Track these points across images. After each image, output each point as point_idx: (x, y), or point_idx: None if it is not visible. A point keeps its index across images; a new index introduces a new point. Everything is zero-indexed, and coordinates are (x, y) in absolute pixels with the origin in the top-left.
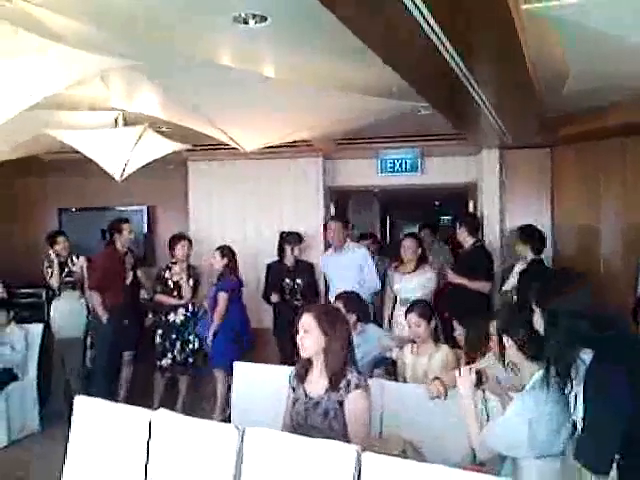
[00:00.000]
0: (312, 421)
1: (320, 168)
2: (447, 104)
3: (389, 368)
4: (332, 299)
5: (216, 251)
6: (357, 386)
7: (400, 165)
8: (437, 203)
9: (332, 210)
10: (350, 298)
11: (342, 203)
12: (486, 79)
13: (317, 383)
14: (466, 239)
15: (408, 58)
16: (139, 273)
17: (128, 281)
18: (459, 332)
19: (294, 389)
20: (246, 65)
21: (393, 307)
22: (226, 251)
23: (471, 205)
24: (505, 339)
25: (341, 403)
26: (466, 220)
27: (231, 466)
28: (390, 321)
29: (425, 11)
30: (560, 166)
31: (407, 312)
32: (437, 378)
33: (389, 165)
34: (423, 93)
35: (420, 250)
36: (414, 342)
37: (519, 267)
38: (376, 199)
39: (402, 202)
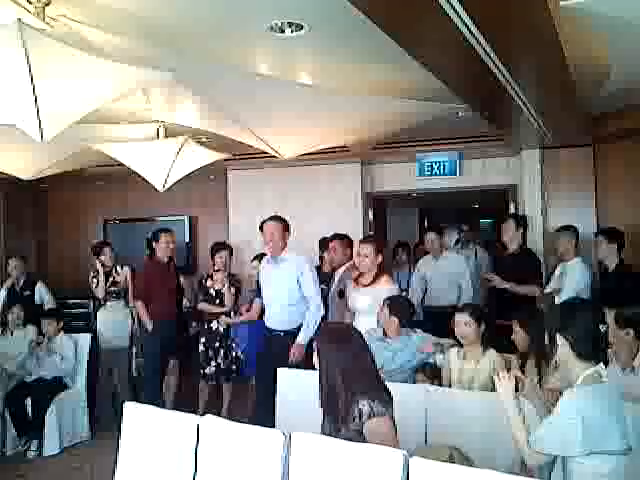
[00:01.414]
0: None
1: (358, 173)
2: (486, 105)
3: (428, 371)
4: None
5: (255, 260)
6: (372, 414)
7: (439, 168)
8: (476, 206)
9: (370, 215)
10: (395, 301)
11: (380, 208)
12: (525, 78)
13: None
14: (512, 241)
15: (446, 60)
16: (181, 282)
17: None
18: (519, 335)
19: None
20: (283, 73)
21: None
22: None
23: (512, 207)
24: (558, 338)
25: (360, 432)
26: (515, 220)
27: (277, 471)
28: None
29: (462, 12)
30: (604, 165)
31: (458, 312)
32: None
33: (427, 168)
34: (462, 95)
35: (380, 259)
36: (460, 346)
37: (577, 267)
38: (414, 203)
39: (441, 205)
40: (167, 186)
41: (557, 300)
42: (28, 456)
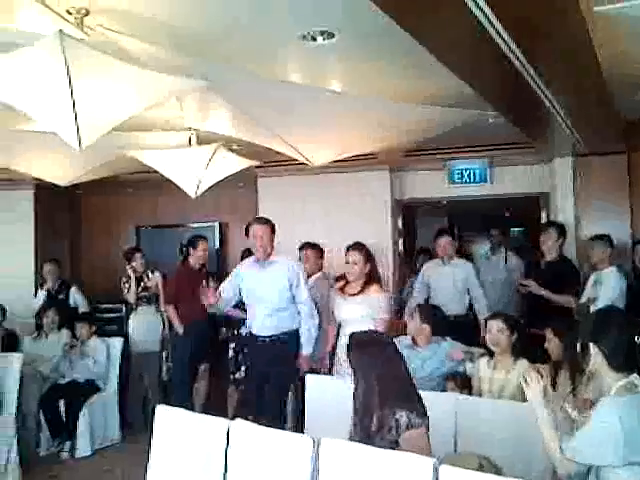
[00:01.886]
0: None
1: (387, 181)
2: (518, 112)
3: (458, 379)
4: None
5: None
6: (409, 426)
7: (469, 175)
8: (507, 214)
9: (399, 223)
10: (427, 309)
11: (409, 215)
12: (558, 84)
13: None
14: (551, 250)
15: (476, 67)
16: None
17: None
18: (553, 344)
19: (355, 412)
20: (314, 81)
21: (336, 338)
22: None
23: (544, 215)
24: (591, 347)
25: (395, 442)
26: (557, 229)
27: (306, 477)
28: (331, 357)
29: (493, 18)
30: (638, 172)
31: (490, 318)
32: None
33: (458, 176)
34: (493, 102)
35: (369, 266)
36: (491, 355)
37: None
38: (444, 211)
39: (470, 213)
40: (199, 193)
41: (592, 310)
42: (61, 457)
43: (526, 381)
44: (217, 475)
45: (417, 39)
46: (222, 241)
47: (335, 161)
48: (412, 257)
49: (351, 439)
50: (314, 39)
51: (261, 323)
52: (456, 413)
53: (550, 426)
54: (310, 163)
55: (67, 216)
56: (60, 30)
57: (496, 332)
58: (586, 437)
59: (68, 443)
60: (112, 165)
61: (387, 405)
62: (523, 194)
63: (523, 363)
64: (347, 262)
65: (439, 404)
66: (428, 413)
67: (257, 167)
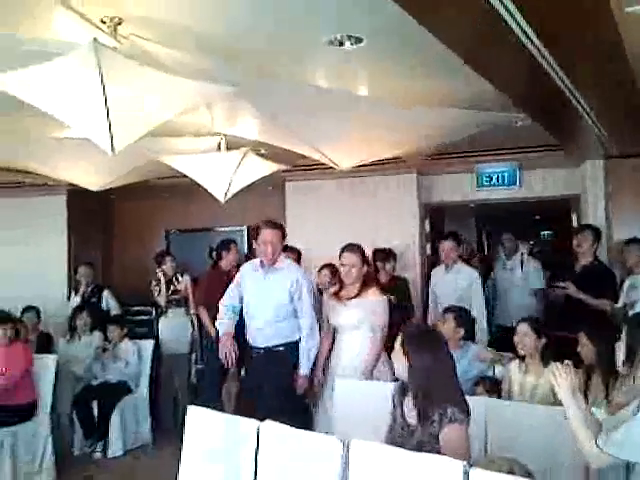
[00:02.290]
0: (407, 449)
1: (414, 184)
2: (546, 114)
3: (488, 384)
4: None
5: (325, 268)
6: (452, 420)
7: (498, 179)
8: (537, 217)
9: (427, 226)
10: (461, 312)
11: (437, 219)
12: (588, 85)
13: (412, 409)
14: (586, 253)
15: (504, 69)
16: None
17: None
18: (587, 348)
19: (395, 407)
20: (341, 85)
21: (331, 346)
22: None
23: (574, 218)
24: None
25: (436, 437)
26: (593, 233)
27: (336, 478)
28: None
29: (521, 20)
30: None
31: (520, 322)
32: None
33: (487, 179)
34: (522, 105)
35: (366, 269)
36: (521, 359)
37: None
38: (472, 214)
39: (500, 217)
40: (228, 197)
41: (630, 314)
42: (94, 457)
43: (555, 376)
44: (248, 476)
45: (446, 45)
46: (250, 245)
47: (362, 165)
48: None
49: (391, 434)
50: (342, 44)
51: (257, 333)
52: (486, 416)
53: (581, 420)
54: (337, 167)
55: (99, 221)
56: (95, 39)
57: (522, 336)
58: (630, 433)
59: (100, 443)
60: (143, 170)
61: (434, 398)
62: (553, 197)
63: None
64: (342, 264)
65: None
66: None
67: (284, 171)
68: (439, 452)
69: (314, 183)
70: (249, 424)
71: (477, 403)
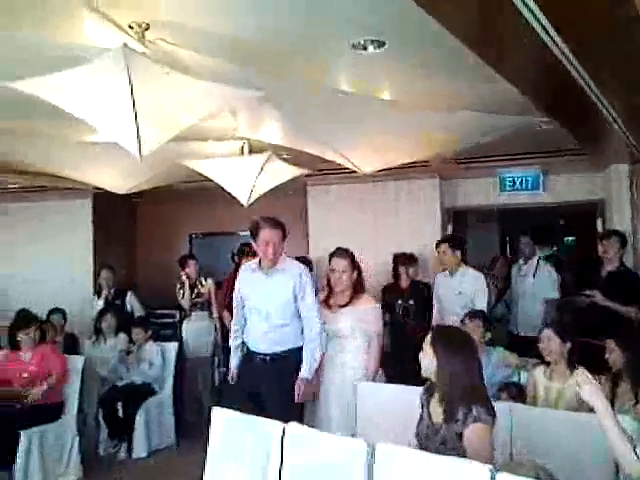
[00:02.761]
0: (431, 446)
1: (437, 189)
2: (572, 118)
3: (513, 390)
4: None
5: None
6: (477, 419)
7: (521, 183)
8: (561, 223)
9: (450, 231)
10: (487, 316)
11: (460, 223)
12: (615, 91)
13: (437, 408)
14: (612, 259)
15: (529, 73)
16: None
17: None
18: (615, 354)
19: (423, 406)
20: (364, 89)
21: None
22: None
23: (599, 224)
24: None
25: (460, 435)
26: (620, 239)
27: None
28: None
29: (546, 23)
30: None
31: (546, 327)
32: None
33: (510, 184)
34: (546, 110)
35: (356, 274)
36: (546, 364)
37: None
38: (495, 219)
39: (523, 222)
40: (251, 201)
41: None
42: (118, 457)
43: (580, 384)
44: (273, 478)
45: (470, 48)
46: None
47: (384, 169)
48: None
49: (418, 433)
50: (365, 48)
51: (258, 338)
52: (511, 422)
53: (613, 424)
54: (359, 171)
55: (124, 224)
56: (124, 44)
57: (547, 341)
58: None
59: (125, 444)
60: (167, 174)
61: (461, 397)
62: (577, 202)
63: (580, 373)
64: (332, 270)
65: None
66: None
67: (307, 176)
68: (462, 451)
69: (336, 187)
70: (274, 426)
71: (502, 408)
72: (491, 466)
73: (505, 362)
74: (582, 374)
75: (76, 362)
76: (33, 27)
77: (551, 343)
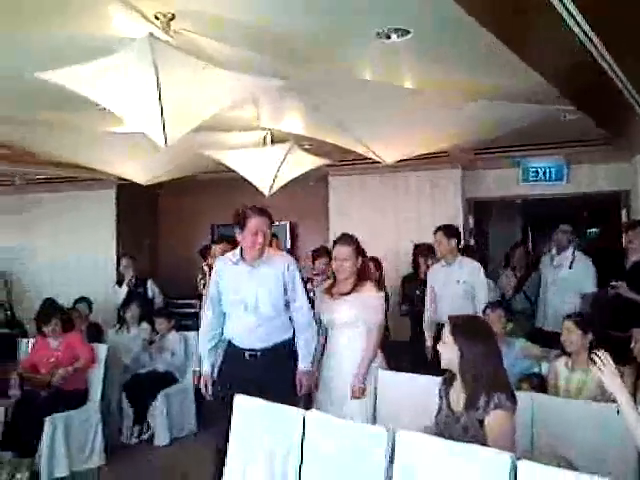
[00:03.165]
0: (452, 435)
1: (458, 179)
2: (597, 107)
3: (535, 381)
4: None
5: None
6: (497, 406)
7: (544, 174)
8: (585, 214)
9: (471, 221)
10: (509, 307)
11: (481, 214)
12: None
13: (458, 397)
14: (638, 249)
15: (555, 61)
16: None
17: None
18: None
19: (441, 397)
20: (388, 79)
21: (323, 347)
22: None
23: (624, 214)
24: None
25: (481, 422)
26: None
27: (381, 468)
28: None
29: (574, 11)
30: None
31: (566, 318)
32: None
33: (532, 174)
34: (572, 98)
35: (360, 262)
36: (568, 355)
37: None
38: (517, 210)
39: (545, 213)
40: (273, 191)
41: None
42: (141, 445)
43: (595, 363)
44: (293, 464)
45: (497, 37)
46: (293, 240)
47: (406, 160)
48: (485, 256)
49: (437, 424)
50: (388, 37)
51: (243, 333)
52: (532, 412)
53: (633, 407)
54: (382, 161)
55: (146, 215)
56: (150, 33)
57: (568, 332)
58: None
59: (147, 431)
60: (189, 165)
61: (483, 385)
62: (602, 192)
63: (600, 355)
64: (334, 259)
65: None
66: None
67: (328, 166)
68: (483, 438)
69: (358, 178)
70: (295, 413)
71: (523, 398)
72: (512, 454)
73: (527, 353)
74: (602, 357)
75: (100, 350)
76: (62, 20)
77: (572, 335)
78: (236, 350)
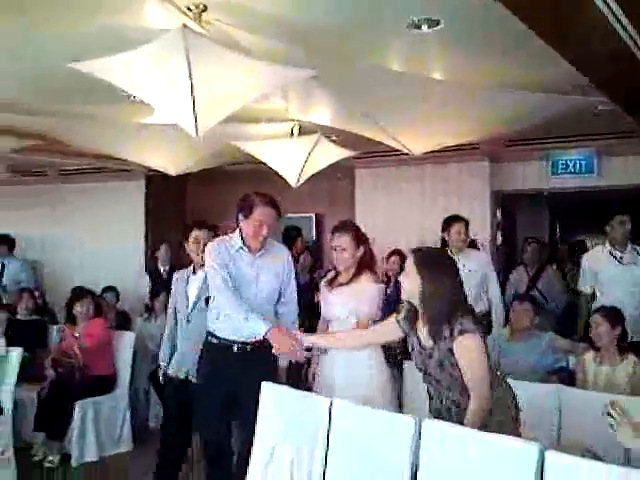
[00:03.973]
0: (431, 371)
1: (486, 171)
2: (630, 97)
3: (562, 375)
4: None
5: (395, 255)
6: (463, 331)
7: (574, 166)
8: (616, 209)
9: (499, 214)
10: (536, 300)
11: (510, 206)
12: None
13: (423, 332)
14: None
15: (588, 50)
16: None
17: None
18: None
19: (407, 334)
20: (418, 69)
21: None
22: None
23: None
24: None
25: (451, 351)
26: None
27: (407, 456)
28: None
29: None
30: None
31: (595, 312)
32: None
33: (562, 167)
34: (604, 87)
35: (362, 251)
36: (597, 349)
37: None
38: (545, 203)
39: (574, 206)
40: (301, 182)
41: None
42: None
43: (611, 415)
44: (319, 453)
45: (531, 28)
46: (318, 233)
47: (433, 152)
48: (513, 249)
49: (416, 364)
50: (419, 27)
51: (242, 324)
52: (560, 405)
53: None
54: (410, 153)
55: (174, 205)
56: (184, 24)
57: (596, 326)
58: None
59: None
60: (217, 156)
61: (444, 314)
62: (633, 186)
63: (630, 359)
64: (333, 248)
65: (542, 396)
66: (528, 403)
67: (355, 158)
68: (458, 372)
69: (384, 170)
70: (321, 401)
71: (551, 391)
72: (539, 444)
73: (556, 346)
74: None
75: (128, 338)
76: (95, 11)
77: (600, 328)
78: (221, 343)
